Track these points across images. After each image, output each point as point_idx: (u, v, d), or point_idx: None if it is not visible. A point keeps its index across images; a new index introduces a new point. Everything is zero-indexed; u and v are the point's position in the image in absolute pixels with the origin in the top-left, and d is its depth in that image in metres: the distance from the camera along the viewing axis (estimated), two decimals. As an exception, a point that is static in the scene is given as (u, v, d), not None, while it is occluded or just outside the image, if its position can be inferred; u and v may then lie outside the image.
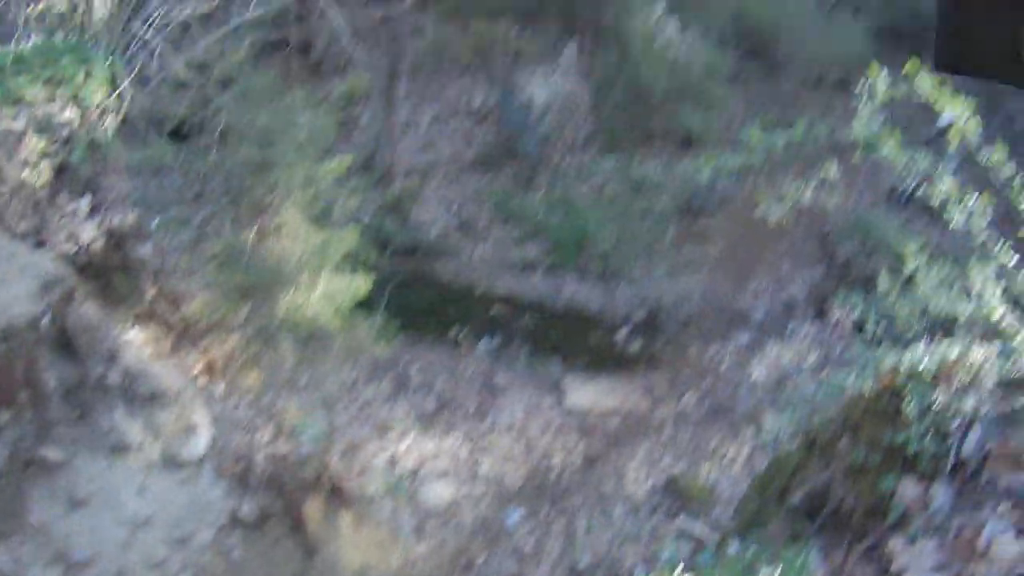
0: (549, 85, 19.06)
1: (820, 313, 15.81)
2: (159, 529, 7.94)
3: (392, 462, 11.60)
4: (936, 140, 15.11)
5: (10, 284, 6.98)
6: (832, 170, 6.25)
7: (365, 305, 9.57)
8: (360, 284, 9.26)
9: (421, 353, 13.99)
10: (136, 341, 8.28)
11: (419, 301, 15.20)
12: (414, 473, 11.51)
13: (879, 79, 5.54)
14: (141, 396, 7.83)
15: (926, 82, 5.10)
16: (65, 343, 7.36)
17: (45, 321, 7.10)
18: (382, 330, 10.24)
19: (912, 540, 4.27)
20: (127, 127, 8.38)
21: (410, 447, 11.89)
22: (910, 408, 4.56)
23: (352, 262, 9.51)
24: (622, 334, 15.23)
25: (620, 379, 13.99)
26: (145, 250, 8.58)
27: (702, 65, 18.49)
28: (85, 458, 7.70)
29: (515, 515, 11.23)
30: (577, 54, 19.78)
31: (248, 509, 8.40)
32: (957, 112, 5.32)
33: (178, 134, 8.85)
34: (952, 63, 1.84)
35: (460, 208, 17.87)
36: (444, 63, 20.70)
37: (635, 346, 14.98)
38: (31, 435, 7.31)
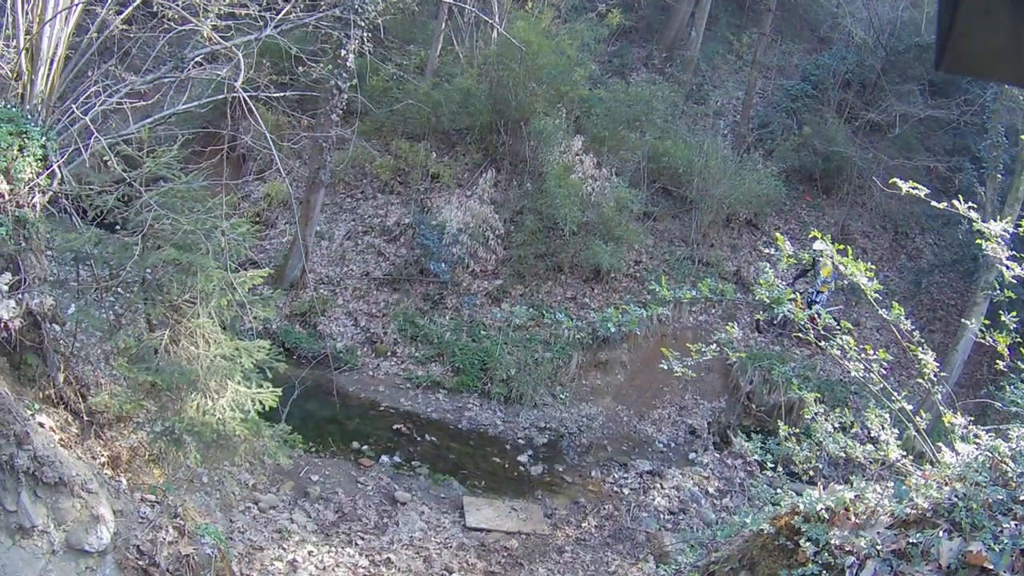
0: (464, 210, 19.39)
1: (723, 442, 16.14)
2: None
3: (292, 570, 11.27)
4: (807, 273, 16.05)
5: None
6: (734, 332, 6.68)
7: (269, 413, 9.49)
8: (267, 396, 9.21)
9: (323, 464, 13.80)
10: (46, 425, 8.07)
11: (323, 412, 15.11)
12: (309, 586, 11.22)
13: (784, 247, 6.02)
14: (47, 482, 7.53)
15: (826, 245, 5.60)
16: None
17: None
18: (285, 439, 10.14)
19: None
20: (54, 208, 8.32)
21: (308, 556, 11.57)
22: (806, 546, 4.73)
23: (260, 373, 9.46)
24: (524, 457, 15.32)
25: (521, 501, 13.96)
26: (59, 335, 8.44)
27: (615, 200, 19.12)
28: None
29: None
30: (494, 182, 20.28)
31: None
32: (852, 272, 5.73)
33: (103, 223, 8.77)
34: (954, 63, 1.83)
35: (368, 323, 17.97)
36: (363, 179, 21.03)
37: (537, 469, 15.06)
38: None
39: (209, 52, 9.96)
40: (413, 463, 14.57)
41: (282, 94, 12.11)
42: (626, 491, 14.72)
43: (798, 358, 18.13)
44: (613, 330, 8.05)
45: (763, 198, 21.07)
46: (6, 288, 7.47)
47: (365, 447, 14.70)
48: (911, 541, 4.43)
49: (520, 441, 15.75)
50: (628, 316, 7.30)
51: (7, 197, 7.24)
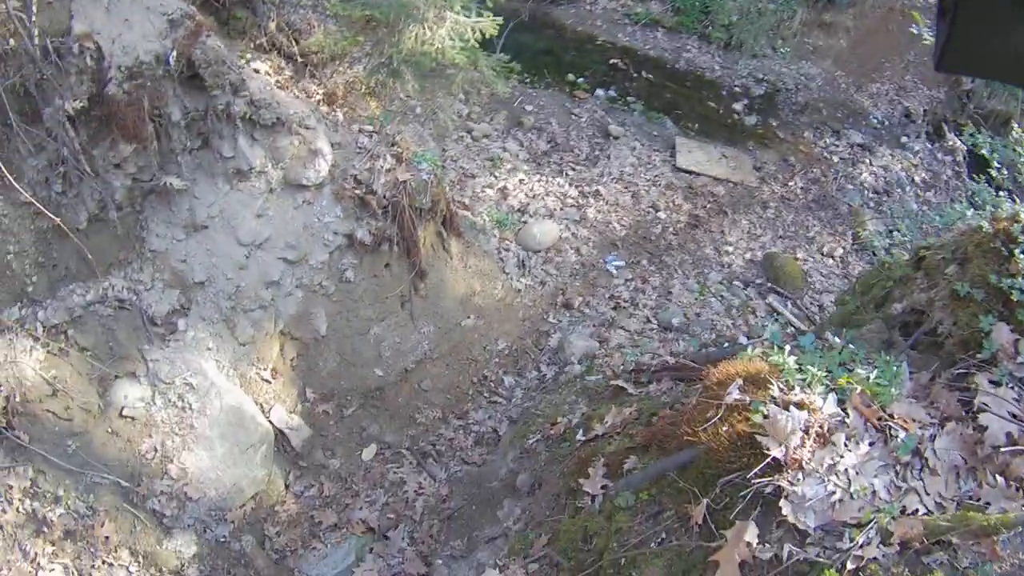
0: None
1: (935, 133, 15.34)
2: (275, 250, 8.19)
3: (502, 197, 11.60)
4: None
5: (136, 24, 6.92)
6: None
7: (486, 42, 9.31)
8: (487, 24, 8.92)
9: (537, 94, 13.75)
10: (260, 71, 8.18)
11: (538, 43, 14.88)
12: (522, 210, 11.51)
13: None
14: (264, 124, 7.77)
15: None
16: (191, 77, 7.31)
17: (171, 57, 7.02)
18: (502, 67, 10.02)
19: (997, 383, 4.33)
20: None
21: (519, 184, 11.83)
22: (1021, 258, 4.58)
23: (480, 2, 9.12)
24: (739, 105, 14.86)
25: (732, 149, 13.68)
26: None
27: None
28: (206, 185, 7.83)
29: (616, 262, 11.26)
30: None
31: (363, 232, 8.57)
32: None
33: None
34: (954, 63, 1.80)
35: (590, -51, 17.20)
36: None
37: (750, 120, 14.61)
38: (154, 166, 7.42)
39: None
40: (628, 98, 14.33)
41: None
42: (835, 159, 14.19)
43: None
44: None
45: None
46: None
47: (580, 80, 14.48)
48: None
49: (736, 89, 15.22)
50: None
51: None
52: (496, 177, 11.84)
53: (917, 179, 14.11)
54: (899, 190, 13.80)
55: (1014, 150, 6.64)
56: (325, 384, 8.84)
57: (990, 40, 1.65)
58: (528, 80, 14.01)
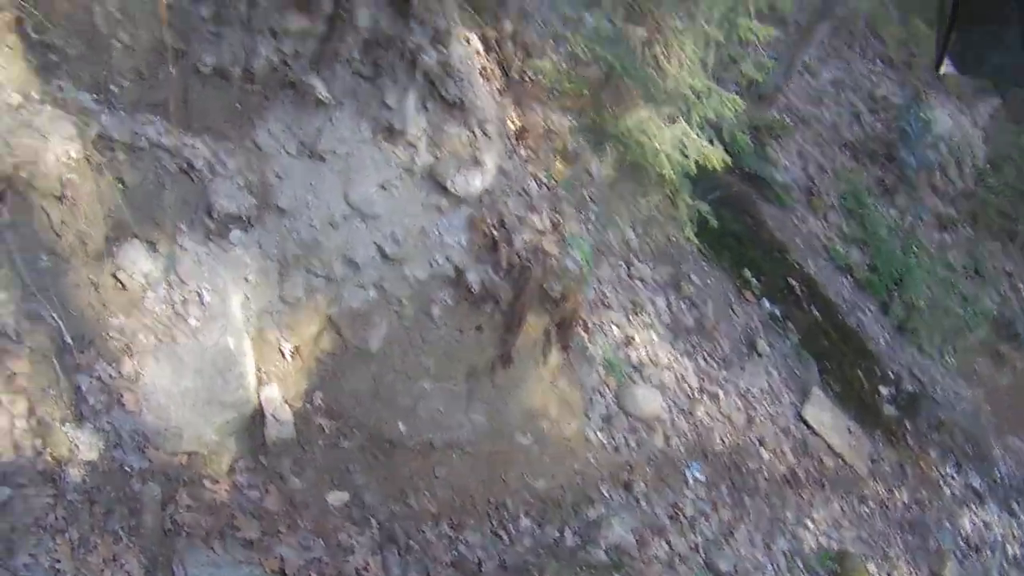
0: (956, 121, 17.61)
1: None
2: (377, 233, 7.27)
3: (624, 343, 10.62)
4: None
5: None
6: None
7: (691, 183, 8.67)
8: (716, 154, 8.31)
9: (708, 271, 12.95)
10: (471, 45, 7.42)
11: (733, 225, 14.19)
12: (636, 367, 10.51)
13: None
14: (446, 98, 7.00)
15: None
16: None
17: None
18: (700, 215, 9.36)
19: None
20: None
21: (648, 342, 10.90)
22: None
23: (713, 130, 8.63)
24: (885, 390, 13.94)
25: (859, 427, 12.74)
26: None
27: None
28: (349, 117, 6.97)
29: (697, 473, 10.22)
30: (999, 109, 18.30)
31: (475, 278, 7.60)
32: None
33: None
34: (956, 64, 1.84)
35: (816, 173, 16.80)
36: (869, 38, 19.60)
37: (889, 410, 13.70)
38: (309, 58, 6.69)
39: None
40: (788, 323, 13.49)
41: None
42: (947, 491, 13.22)
43: None
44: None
45: None
46: None
47: (754, 281, 13.66)
48: None
49: (890, 373, 14.27)
50: None
51: None
52: (630, 322, 10.90)
53: (1010, 551, 13.15)
54: (989, 552, 12.82)
55: None
56: (340, 400, 7.61)
57: (989, 41, 1.71)
58: (706, 253, 13.28)
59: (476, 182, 7.32)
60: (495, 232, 7.51)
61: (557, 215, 8.00)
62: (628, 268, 11.64)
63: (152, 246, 6.26)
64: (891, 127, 17.72)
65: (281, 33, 6.42)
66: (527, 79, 8.18)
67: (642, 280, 11.69)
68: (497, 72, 7.88)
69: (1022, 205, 17.22)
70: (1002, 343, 16.11)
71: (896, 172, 17.05)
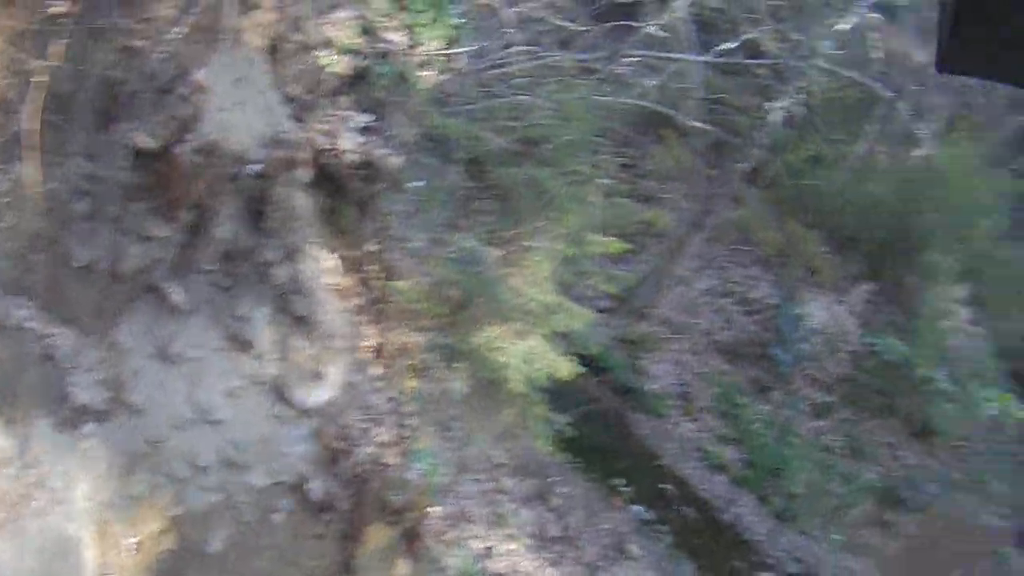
0: (829, 313, 18.60)
1: None
2: (221, 438, 7.51)
3: (484, 554, 11.02)
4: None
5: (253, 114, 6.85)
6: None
7: (552, 402, 9.12)
8: (564, 367, 8.67)
9: (575, 482, 13.60)
10: (322, 264, 7.81)
11: (601, 438, 14.95)
12: (495, 579, 10.89)
13: None
14: (292, 312, 7.39)
15: None
16: (258, 207, 7.09)
17: (256, 167, 6.79)
18: (557, 429, 9.78)
19: None
20: (433, 91, 8.28)
21: (508, 553, 11.32)
22: None
23: (565, 344, 8.97)
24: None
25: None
26: (392, 206, 8.37)
27: (972, 364, 17.65)
28: (204, 324, 7.33)
29: None
30: (867, 299, 19.29)
31: (317, 488, 7.91)
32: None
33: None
34: (954, 64, 1.82)
35: (690, 380, 17.54)
36: (744, 245, 20.58)
37: (772, 596, 14.16)
38: (170, 261, 7.03)
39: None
40: (660, 527, 13.99)
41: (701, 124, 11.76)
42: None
43: None
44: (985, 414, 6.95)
45: None
46: (359, 125, 7.30)
47: (624, 489, 14.26)
48: None
49: (769, 560, 14.83)
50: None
51: (401, 50, 7.16)
52: (491, 534, 11.33)
53: None
54: None
55: None
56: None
57: (989, 41, 1.66)
58: (573, 465, 14.02)
59: (320, 395, 7.73)
60: (337, 444, 7.88)
61: (404, 429, 8.33)
62: (493, 482, 12.21)
63: (9, 425, 6.60)
64: (767, 327, 18.61)
65: (147, 237, 6.91)
66: (387, 299, 8.63)
67: (506, 493, 12.23)
68: (359, 290, 8.37)
69: (898, 380, 17.85)
70: (888, 511, 16.51)
71: (770, 369, 17.91)
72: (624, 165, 13.38)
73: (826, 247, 19.98)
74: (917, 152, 20.00)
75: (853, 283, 19.49)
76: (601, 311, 18.11)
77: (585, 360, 16.24)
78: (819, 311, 18.59)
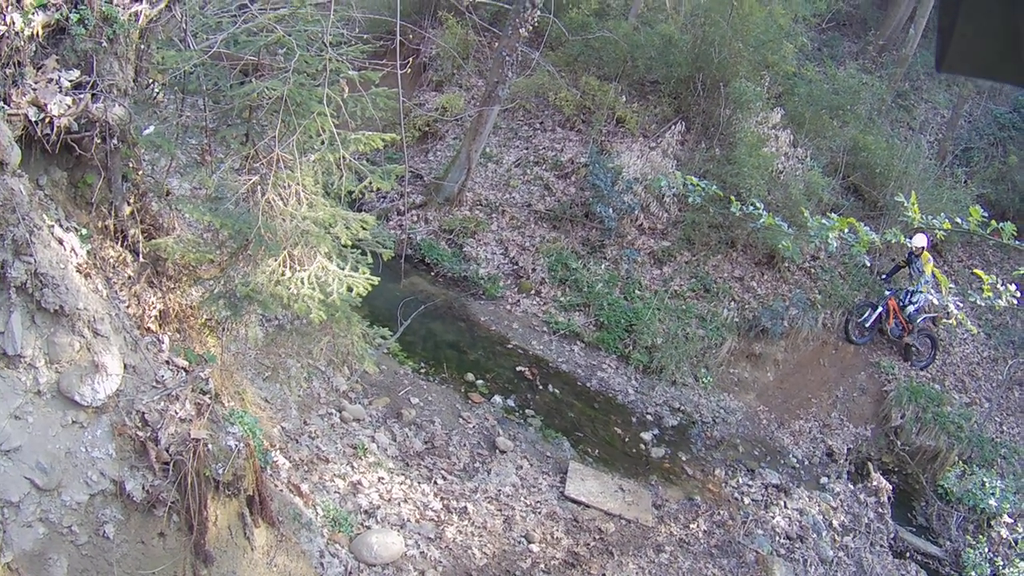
0: (645, 160, 18.20)
1: (858, 473, 14.69)
2: (23, 466, 6.62)
3: (352, 492, 10.05)
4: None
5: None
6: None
7: (376, 316, 8.27)
8: (360, 281, 7.83)
9: (428, 388, 12.68)
10: (65, 245, 6.87)
11: (447, 335, 14.09)
12: (369, 512, 9.92)
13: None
14: (46, 308, 6.45)
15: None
16: None
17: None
18: (382, 344, 8.99)
19: None
20: (164, 25, 7.28)
21: (377, 482, 10.36)
22: None
23: (364, 258, 8.06)
24: (648, 435, 13.96)
25: (632, 482, 12.56)
26: (131, 160, 7.40)
27: (804, 185, 17.79)
28: None
29: (467, 596, 9.70)
30: (681, 139, 19.07)
31: (136, 486, 6.99)
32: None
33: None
34: (954, 64, 1.85)
35: (519, 255, 16.89)
36: (545, 109, 20.10)
37: (658, 452, 13.69)
38: None
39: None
40: (527, 411, 13.33)
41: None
42: (746, 500, 13.16)
43: (956, 403, 16.48)
44: (834, 246, 7.40)
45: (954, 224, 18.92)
46: (68, 85, 6.46)
47: (480, 382, 13.53)
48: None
49: (648, 417, 14.35)
50: (860, 236, 6.23)
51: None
52: (353, 468, 10.34)
53: (835, 523, 13.22)
54: (814, 535, 12.80)
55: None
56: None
57: (989, 41, 1.73)
58: (423, 371, 13.05)
59: (103, 387, 6.76)
60: (140, 434, 6.95)
61: (206, 396, 7.51)
62: (341, 414, 11.21)
63: None
64: (583, 187, 18.11)
65: None
66: (158, 260, 7.80)
67: (358, 420, 11.28)
68: (125, 258, 7.49)
69: (729, 212, 17.68)
70: (755, 343, 16.45)
71: (598, 227, 17.37)
72: (390, 52, 12.03)
73: (627, 96, 19.73)
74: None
75: (662, 125, 19.26)
76: (417, 206, 17.40)
77: (411, 260, 15.60)
78: (633, 160, 18.22)
